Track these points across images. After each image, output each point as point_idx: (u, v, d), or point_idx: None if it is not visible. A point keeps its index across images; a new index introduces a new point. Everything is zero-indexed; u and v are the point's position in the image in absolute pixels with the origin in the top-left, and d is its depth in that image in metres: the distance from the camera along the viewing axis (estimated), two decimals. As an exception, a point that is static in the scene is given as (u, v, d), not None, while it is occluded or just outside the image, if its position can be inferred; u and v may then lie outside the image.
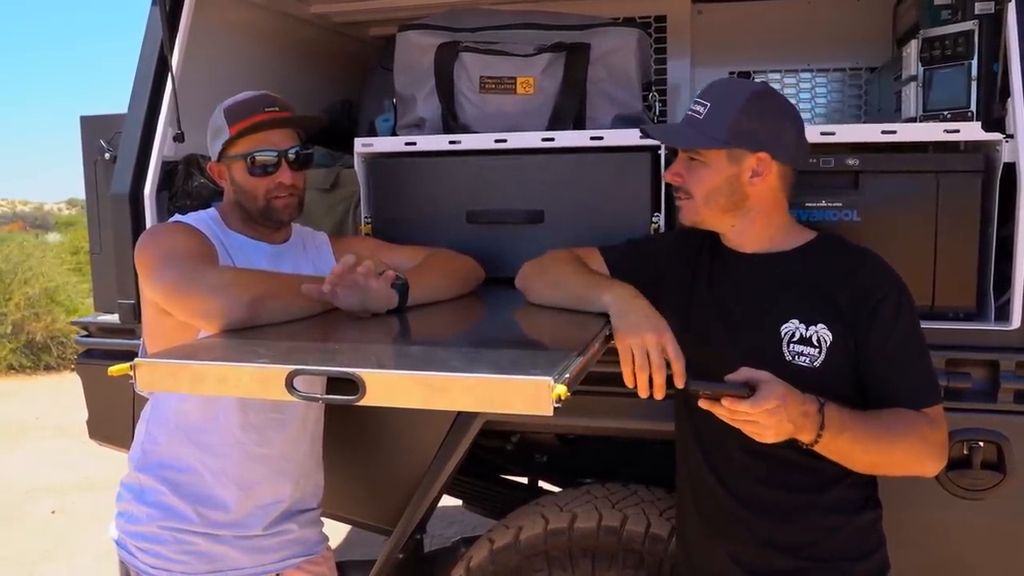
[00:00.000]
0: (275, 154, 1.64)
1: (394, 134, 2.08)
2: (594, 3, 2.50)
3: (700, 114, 1.41)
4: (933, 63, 1.74)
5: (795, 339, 1.37)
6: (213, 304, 1.37)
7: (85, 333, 2.21)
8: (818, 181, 1.67)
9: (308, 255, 1.78)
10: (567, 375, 1.01)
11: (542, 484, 2.66)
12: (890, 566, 1.45)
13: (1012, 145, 1.58)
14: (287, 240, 1.76)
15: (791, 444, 1.26)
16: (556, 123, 1.92)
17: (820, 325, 1.36)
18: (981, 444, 1.61)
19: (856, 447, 1.29)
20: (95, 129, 2.26)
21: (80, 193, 2.45)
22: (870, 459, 1.32)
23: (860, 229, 1.63)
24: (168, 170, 2.06)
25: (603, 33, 1.93)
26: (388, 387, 1.04)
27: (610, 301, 1.38)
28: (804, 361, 1.36)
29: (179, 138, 2.04)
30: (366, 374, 1.04)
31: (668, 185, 1.58)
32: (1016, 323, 1.59)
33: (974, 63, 1.68)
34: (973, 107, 1.68)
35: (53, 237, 15.31)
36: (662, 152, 1.78)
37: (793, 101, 2.00)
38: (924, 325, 1.39)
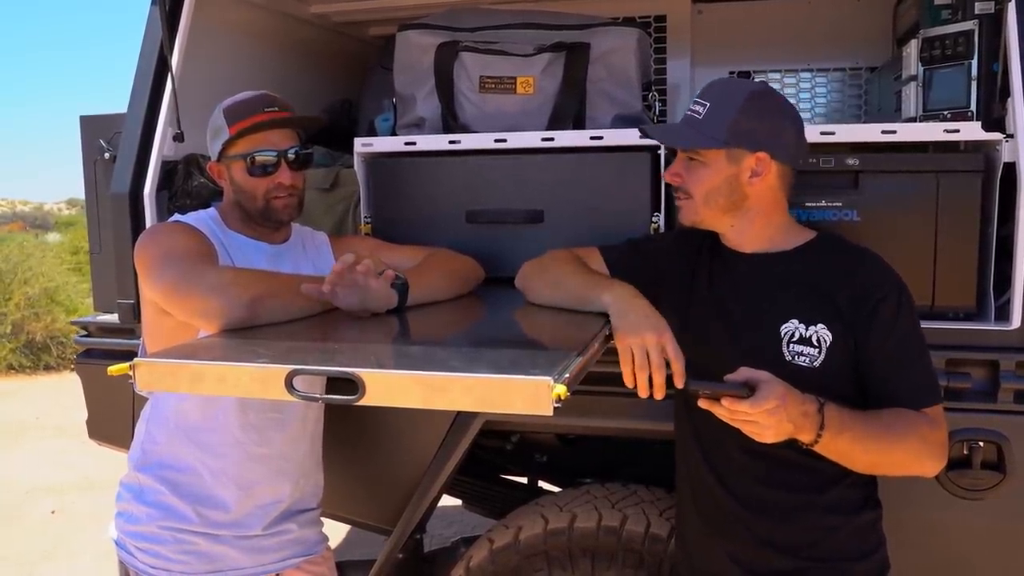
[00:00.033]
0: (275, 154, 1.64)
1: (394, 134, 2.08)
2: (594, 3, 2.50)
3: (699, 114, 1.41)
4: (933, 63, 1.74)
5: (795, 339, 1.37)
6: (212, 304, 1.37)
7: (85, 333, 2.21)
8: (818, 181, 1.67)
9: (308, 255, 1.78)
10: (567, 375, 1.01)
11: (542, 484, 2.66)
12: (890, 566, 1.45)
13: (1012, 145, 1.58)
14: (287, 240, 1.76)
15: (791, 444, 1.26)
16: (556, 123, 1.92)
17: (820, 325, 1.36)
18: (981, 444, 1.61)
19: (856, 447, 1.28)
20: (95, 129, 2.26)
21: (80, 193, 2.44)
22: (870, 459, 1.32)
23: (860, 229, 1.63)
24: (168, 170, 2.06)
25: (603, 33, 1.93)
26: (388, 387, 1.04)
27: (610, 301, 1.37)
28: (804, 361, 1.36)
29: (179, 138, 2.04)
30: (366, 374, 1.04)
31: (668, 185, 1.58)
32: (1016, 323, 1.59)
33: (974, 63, 1.68)
34: (973, 107, 1.68)
35: (53, 237, 15.31)
36: (662, 152, 1.78)
37: (793, 101, 2.00)
38: (924, 325, 1.39)
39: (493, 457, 2.49)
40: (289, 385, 1.06)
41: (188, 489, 1.65)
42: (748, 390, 1.20)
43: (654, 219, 1.79)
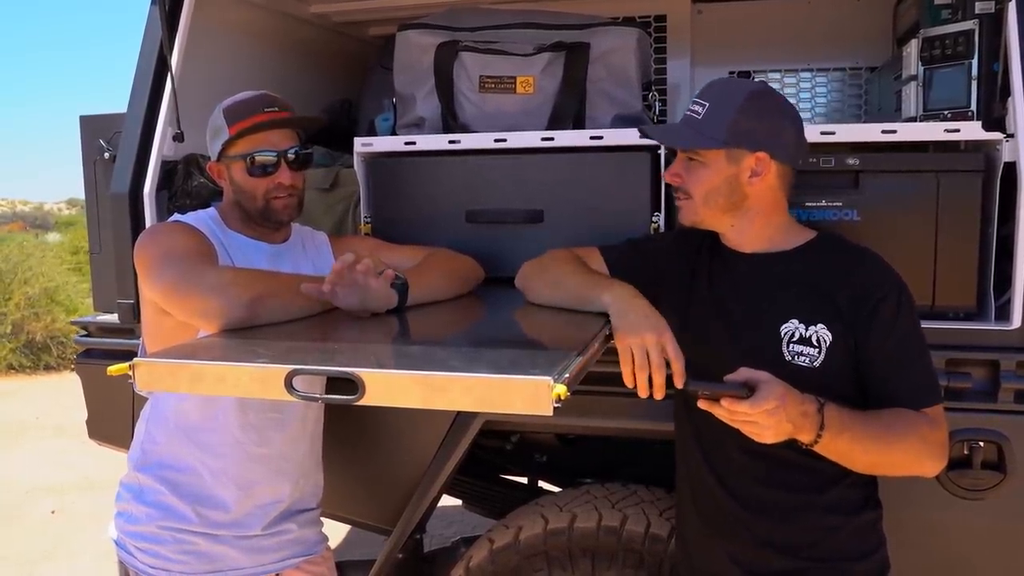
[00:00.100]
0: (274, 154, 1.64)
1: (394, 133, 2.08)
2: (594, 2, 2.50)
3: (699, 114, 1.41)
4: (933, 62, 1.74)
5: (795, 339, 1.37)
6: (212, 303, 1.37)
7: (85, 333, 2.21)
8: (818, 181, 1.67)
9: (308, 255, 1.78)
10: (567, 375, 1.01)
11: (542, 484, 2.66)
12: (890, 566, 1.45)
13: (1012, 144, 1.58)
14: (287, 240, 1.76)
15: (791, 444, 1.26)
16: (556, 123, 1.91)
17: (820, 325, 1.36)
18: (981, 444, 1.61)
19: (856, 447, 1.28)
20: (95, 128, 2.26)
21: (80, 193, 2.44)
22: (870, 459, 1.32)
23: (860, 229, 1.63)
24: (168, 170, 2.06)
25: (603, 32, 1.93)
26: (387, 387, 1.04)
27: (610, 301, 1.37)
28: (804, 361, 1.36)
29: (179, 138, 2.04)
30: (365, 374, 1.04)
31: (668, 185, 1.58)
32: (1016, 323, 1.59)
33: (974, 62, 1.67)
34: (973, 106, 1.68)
35: (53, 237, 15.31)
36: (662, 152, 1.78)
37: (793, 101, 2.00)
38: (924, 325, 1.39)
39: (493, 457, 2.49)
40: (289, 385, 1.06)
41: (188, 489, 1.64)
42: (747, 390, 1.20)
43: (654, 219, 1.79)
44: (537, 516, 1.91)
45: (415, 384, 1.03)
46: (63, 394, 6.78)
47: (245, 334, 1.35)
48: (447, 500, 2.43)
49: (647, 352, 1.25)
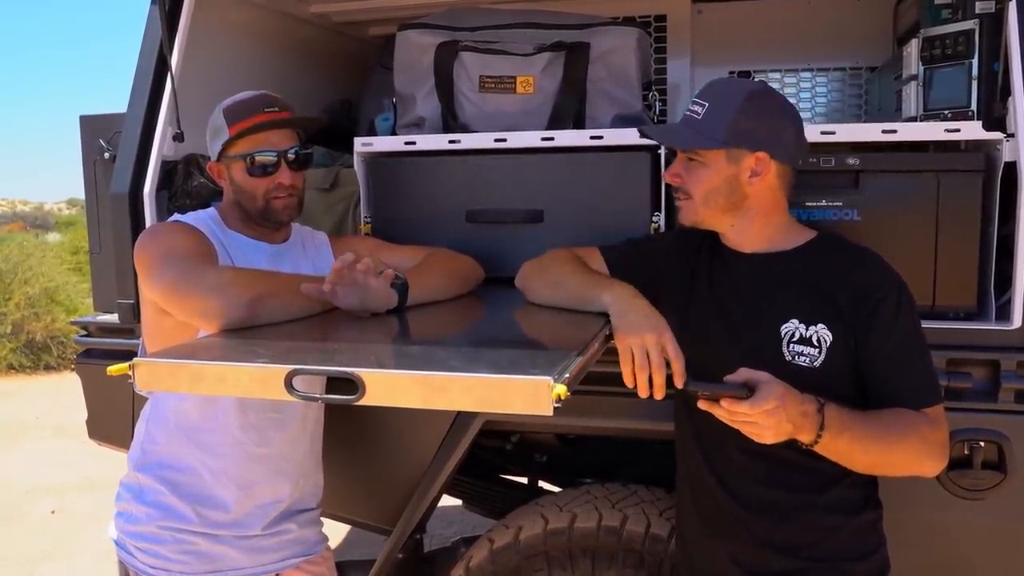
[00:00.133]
0: (274, 155, 1.64)
1: (394, 133, 2.08)
2: (594, 2, 2.50)
3: (698, 114, 1.41)
4: (934, 62, 1.74)
5: (795, 339, 1.37)
6: (212, 303, 1.37)
7: (85, 333, 2.21)
8: (818, 181, 1.66)
9: (308, 255, 1.78)
10: (567, 375, 1.01)
11: (542, 484, 2.66)
12: (890, 566, 1.45)
13: (1013, 144, 1.58)
14: (287, 240, 1.76)
15: (791, 444, 1.26)
16: (556, 122, 1.91)
17: (820, 325, 1.36)
18: (982, 444, 1.61)
19: (856, 447, 1.28)
20: (95, 128, 2.26)
21: (80, 193, 2.44)
22: (870, 459, 1.32)
23: (860, 229, 1.63)
24: (168, 170, 2.06)
25: (603, 32, 1.93)
26: (387, 387, 1.04)
27: (610, 301, 1.37)
28: (804, 361, 1.36)
29: (179, 138, 2.04)
30: (365, 374, 1.04)
31: (668, 185, 1.58)
32: (1017, 323, 1.59)
33: (975, 62, 1.67)
34: (974, 106, 1.68)
35: (53, 237, 15.31)
36: (662, 152, 1.78)
37: (793, 101, 2.00)
38: (925, 325, 1.39)
39: (493, 457, 2.49)
40: (289, 385, 1.06)
41: (188, 489, 1.64)
42: (747, 391, 1.20)
43: (654, 219, 1.79)
44: (537, 516, 1.91)
45: (415, 384, 1.03)
46: (63, 394, 6.78)
47: (245, 334, 1.35)
48: (447, 500, 2.43)
49: (647, 352, 1.25)
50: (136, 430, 1.73)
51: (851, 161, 1.66)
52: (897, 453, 1.31)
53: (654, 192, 1.80)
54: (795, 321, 1.37)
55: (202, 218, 1.67)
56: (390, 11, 2.60)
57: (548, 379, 0.97)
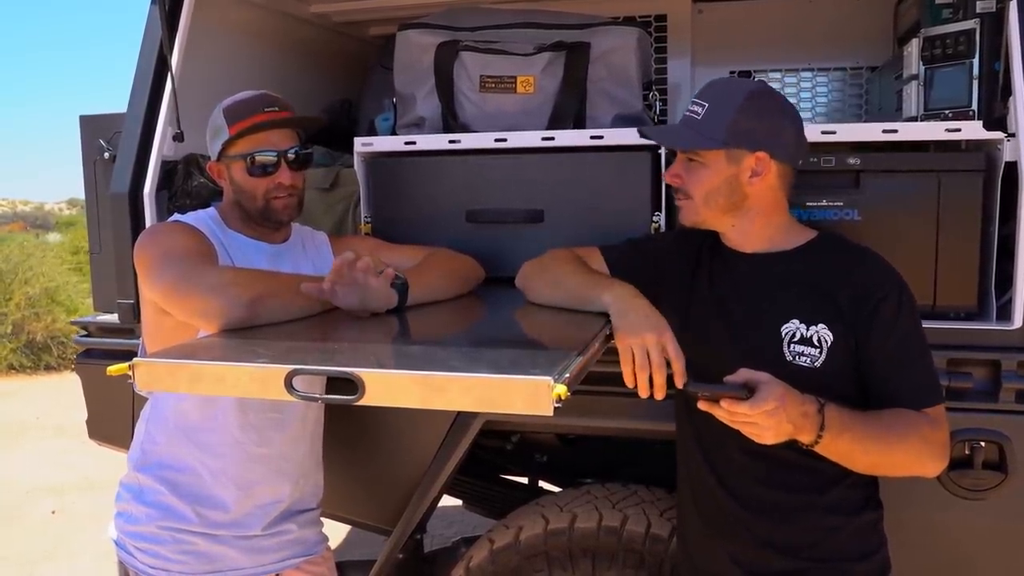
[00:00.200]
0: (274, 154, 1.64)
1: (394, 133, 2.08)
2: (594, 2, 2.49)
3: (698, 115, 1.40)
4: (934, 62, 1.74)
5: (795, 339, 1.37)
6: (212, 303, 1.37)
7: (85, 333, 2.21)
8: (819, 180, 1.66)
9: (308, 255, 1.78)
10: (567, 375, 1.01)
11: (542, 484, 2.66)
12: (891, 567, 1.45)
13: (1014, 144, 1.58)
14: (287, 240, 1.76)
15: (791, 445, 1.26)
16: (556, 122, 1.91)
17: (821, 325, 1.36)
18: (983, 444, 1.61)
19: (856, 448, 1.28)
20: (95, 128, 2.26)
21: (80, 193, 2.44)
22: (870, 460, 1.32)
23: (861, 228, 1.63)
24: (168, 169, 2.06)
25: (603, 32, 1.93)
26: (387, 387, 1.04)
27: (610, 300, 1.37)
28: (805, 361, 1.35)
29: (179, 137, 2.04)
30: (365, 374, 1.03)
31: (668, 185, 1.58)
32: (1018, 323, 1.59)
33: (975, 62, 1.67)
34: (974, 106, 1.68)
35: (53, 237, 15.32)
36: (662, 152, 1.78)
37: (793, 100, 2.00)
38: (925, 325, 1.39)
39: (493, 457, 2.49)
40: (289, 385, 1.06)
41: (188, 489, 1.64)
42: (747, 391, 1.20)
43: (654, 219, 1.79)
44: (537, 516, 1.91)
45: (415, 384, 1.03)
46: (63, 394, 6.78)
47: (245, 334, 1.34)
48: (447, 500, 2.42)
49: (647, 352, 1.25)
50: (136, 430, 1.73)
51: (852, 161, 1.66)
52: (898, 453, 1.31)
53: (654, 192, 1.80)
54: (796, 321, 1.37)
55: (202, 218, 1.67)
56: (390, 11, 2.60)
57: (548, 379, 0.97)
